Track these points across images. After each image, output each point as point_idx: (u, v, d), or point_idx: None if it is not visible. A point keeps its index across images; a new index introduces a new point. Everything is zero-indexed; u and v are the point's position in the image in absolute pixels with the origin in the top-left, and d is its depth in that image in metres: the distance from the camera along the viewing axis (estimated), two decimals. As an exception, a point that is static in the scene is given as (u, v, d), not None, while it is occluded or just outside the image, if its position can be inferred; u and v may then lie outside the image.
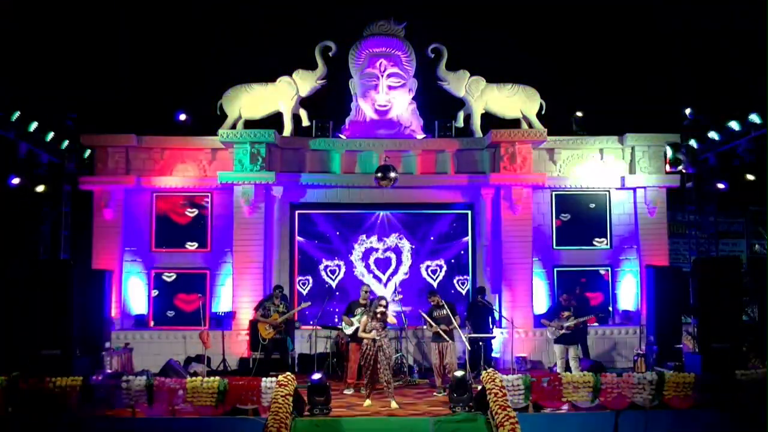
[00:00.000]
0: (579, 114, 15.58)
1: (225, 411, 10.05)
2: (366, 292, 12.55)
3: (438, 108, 15.71)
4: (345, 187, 15.30)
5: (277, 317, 13.05)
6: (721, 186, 14.41)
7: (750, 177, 13.82)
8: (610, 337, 14.82)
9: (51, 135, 13.72)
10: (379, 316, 10.81)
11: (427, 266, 15.48)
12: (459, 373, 10.42)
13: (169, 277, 15.24)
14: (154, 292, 15.19)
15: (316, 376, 10.38)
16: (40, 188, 13.88)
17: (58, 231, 14.64)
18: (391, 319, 11.11)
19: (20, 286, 11.79)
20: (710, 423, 10.16)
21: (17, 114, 12.70)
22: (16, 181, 13.28)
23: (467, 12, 17.33)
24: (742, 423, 10.06)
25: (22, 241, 14.45)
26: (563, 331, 12.20)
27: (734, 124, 13.48)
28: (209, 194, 15.30)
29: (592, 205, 15.42)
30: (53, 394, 10.00)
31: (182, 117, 15.27)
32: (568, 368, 12.05)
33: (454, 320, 11.86)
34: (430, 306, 12.23)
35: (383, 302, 11.00)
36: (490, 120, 15.53)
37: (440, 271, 15.48)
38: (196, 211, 15.33)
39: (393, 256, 15.47)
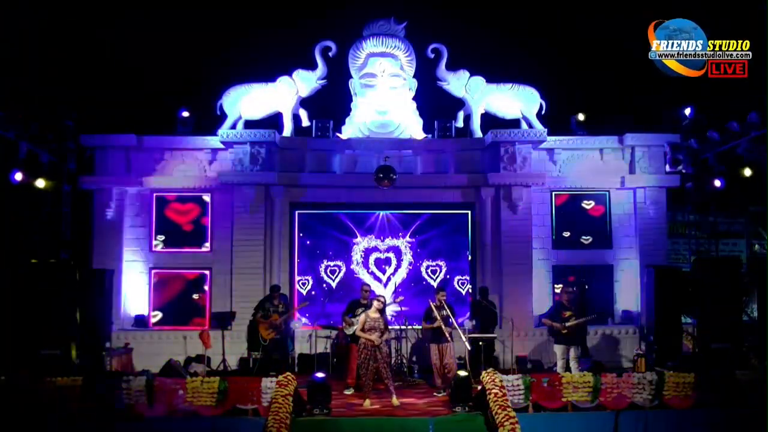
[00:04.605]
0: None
1: (225, 411, 10.08)
2: (366, 291, 12.56)
3: (438, 108, 15.69)
4: (345, 187, 15.28)
5: (277, 317, 13.05)
6: (717, 183, 14.35)
7: (748, 172, 13.83)
8: (610, 337, 14.82)
9: (51, 135, 13.75)
10: (377, 314, 10.88)
11: (427, 266, 15.46)
12: (462, 373, 10.40)
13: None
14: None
15: (319, 375, 10.39)
16: (41, 183, 13.86)
17: (58, 231, 14.64)
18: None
19: (20, 285, 11.79)
20: (710, 423, 10.17)
21: (17, 113, 12.71)
22: (18, 177, 13.26)
23: (467, 12, 17.32)
24: (742, 423, 10.08)
25: (22, 241, 14.44)
26: (564, 331, 12.18)
27: (734, 125, 13.48)
28: (209, 194, 15.30)
29: (593, 205, 15.45)
30: (53, 394, 10.01)
31: (185, 114, 15.29)
32: (568, 368, 12.05)
33: (454, 321, 11.87)
34: (434, 302, 12.22)
35: (381, 299, 11.14)
36: (490, 120, 15.52)
37: (440, 271, 15.46)
38: (196, 211, 15.34)
39: (393, 257, 15.46)
